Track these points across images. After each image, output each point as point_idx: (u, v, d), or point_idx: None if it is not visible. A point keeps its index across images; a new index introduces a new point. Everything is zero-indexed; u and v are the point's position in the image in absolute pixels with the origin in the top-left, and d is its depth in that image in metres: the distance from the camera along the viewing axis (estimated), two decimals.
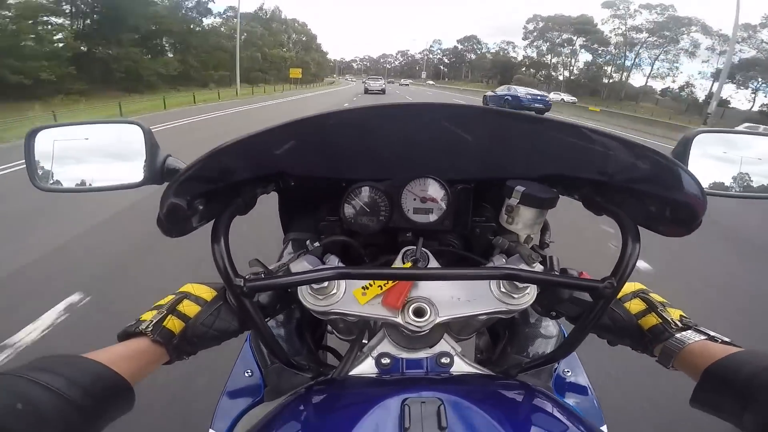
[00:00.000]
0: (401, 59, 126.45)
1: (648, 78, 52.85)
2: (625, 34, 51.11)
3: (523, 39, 65.10)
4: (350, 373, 0.48)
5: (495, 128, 0.46)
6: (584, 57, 58.32)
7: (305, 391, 0.45)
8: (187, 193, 0.41)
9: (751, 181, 0.54)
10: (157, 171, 0.54)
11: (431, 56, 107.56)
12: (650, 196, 0.43)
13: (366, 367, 0.48)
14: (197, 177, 0.40)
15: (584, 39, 55.29)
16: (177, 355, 0.46)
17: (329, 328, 0.72)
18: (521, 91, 18.74)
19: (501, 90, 20.11)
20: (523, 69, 66.42)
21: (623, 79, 52.92)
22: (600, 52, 54.47)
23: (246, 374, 0.65)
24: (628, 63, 52.31)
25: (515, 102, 17.29)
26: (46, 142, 0.58)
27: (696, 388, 0.39)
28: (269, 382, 0.63)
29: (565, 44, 58.63)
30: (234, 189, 0.49)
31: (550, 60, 62.79)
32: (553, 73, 62.51)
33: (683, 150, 0.51)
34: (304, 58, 58.91)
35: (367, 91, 29.40)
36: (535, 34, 62.16)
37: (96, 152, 0.59)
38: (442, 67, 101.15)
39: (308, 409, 0.42)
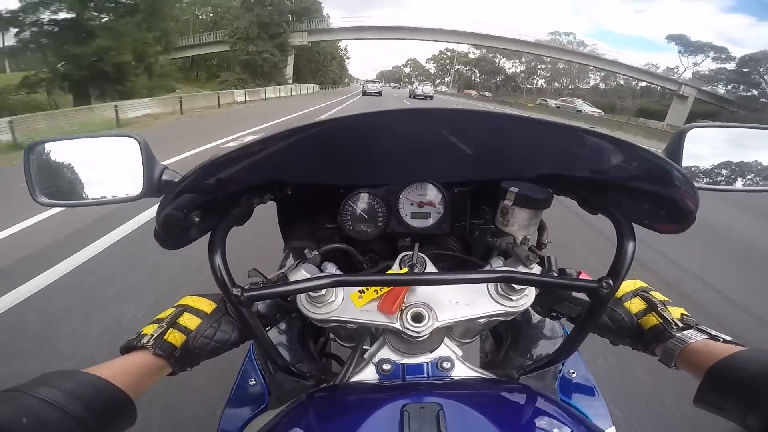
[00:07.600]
0: (394, 68, 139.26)
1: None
2: None
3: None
4: (352, 380, 0.48)
5: (490, 130, 0.46)
6: None
7: (306, 398, 0.45)
8: (183, 205, 0.41)
9: (746, 174, 0.54)
10: (154, 183, 0.54)
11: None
12: (644, 193, 0.43)
13: (367, 374, 0.48)
14: (192, 189, 0.40)
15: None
16: (180, 366, 0.47)
17: (331, 335, 0.72)
18: (419, 85, 36.23)
19: (413, 85, 40.28)
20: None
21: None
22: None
23: (250, 382, 0.65)
24: None
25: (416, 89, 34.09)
26: (45, 157, 0.58)
27: (699, 387, 0.38)
28: (273, 390, 0.63)
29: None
30: (231, 199, 0.49)
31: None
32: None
33: (677, 145, 0.51)
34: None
35: (365, 93, 31.29)
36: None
37: (94, 166, 0.59)
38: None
39: (307, 417, 0.42)
